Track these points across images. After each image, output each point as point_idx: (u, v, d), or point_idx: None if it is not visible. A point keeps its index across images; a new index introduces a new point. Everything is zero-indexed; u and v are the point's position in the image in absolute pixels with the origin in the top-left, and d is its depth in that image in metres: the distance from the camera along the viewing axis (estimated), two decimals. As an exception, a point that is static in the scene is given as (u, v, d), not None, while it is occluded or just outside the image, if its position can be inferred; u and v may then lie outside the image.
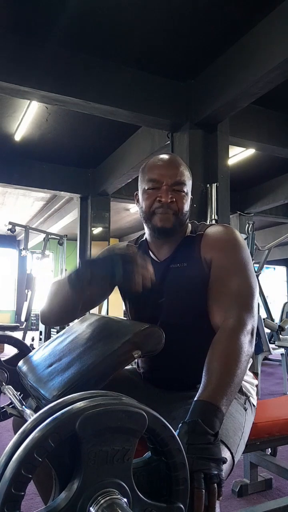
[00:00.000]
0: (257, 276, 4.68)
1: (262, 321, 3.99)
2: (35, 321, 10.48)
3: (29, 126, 5.34)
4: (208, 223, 1.28)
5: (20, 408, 0.97)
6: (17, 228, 6.70)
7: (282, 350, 4.23)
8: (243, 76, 3.61)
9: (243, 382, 1.09)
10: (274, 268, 14.65)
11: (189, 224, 1.19)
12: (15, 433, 0.63)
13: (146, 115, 4.25)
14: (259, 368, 3.79)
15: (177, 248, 1.14)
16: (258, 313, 1.05)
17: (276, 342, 4.24)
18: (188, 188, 1.14)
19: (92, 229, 7.08)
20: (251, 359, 0.93)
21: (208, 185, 4.28)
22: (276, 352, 4.39)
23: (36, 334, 7.00)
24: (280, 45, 3.23)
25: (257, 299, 1.04)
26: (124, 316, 1.46)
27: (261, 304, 5.56)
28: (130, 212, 9.60)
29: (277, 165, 6.70)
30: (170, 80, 4.29)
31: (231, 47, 3.76)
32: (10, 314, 13.46)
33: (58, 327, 4.07)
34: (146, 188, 1.12)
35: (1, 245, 13.51)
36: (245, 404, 1.08)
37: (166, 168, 1.12)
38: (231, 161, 5.08)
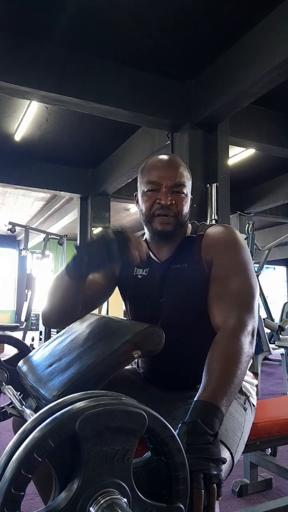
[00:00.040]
0: (257, 276, 4.69)
1: (262, 321, 3.99)
2: (35, 321, 10.48)
3: (29, 126, 5.34)
4: (208, 223, 1.27)
5: (20, 408, 0.97)
6: (17, 228, 6.70)
7: (282, 350, 4.23)
8: (243, 76, 3.61)
9: (243, 382, 1.09)
10: (274, 268, 14.65)
11: (189, 224, 1.19)
12: (15, 433, 0.63)
13: (146, 115, 4.25)
14: (259, 368, 3.79)
15: (178, 248, 1.14)
16: (258, 313, 1.05)
17: (276, 342, 4.24)
18: (188, 189, 1.13)
19: (92, 229, 7.07)
20: (251, 359, 0.93)
21: (208, 185, 4.28)
22: (276, 352, 4.39)
23: (36, 334, 7.00)
24: (280, 45, 3.23)
25: (258, 300, 1.04)
26: (124, 316, 1.46)
27: (261, 304, 5.57)
28: (130, 212, 9.60)
29: (277, 165, 6.70)
30: (170, 80, 4.29)
31: (231, 47, 3.76)
32: (10, 314, 13.46)
33: (58, 327, 4.06)
34: (145, 190, 1.11)
35: (1, 245, 13.51)
36: (244, 404, 1.08)
37: (166, 169, 1.11)
38: (231, 161, 5.08)
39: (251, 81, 3.53)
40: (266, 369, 5.66)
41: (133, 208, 8.86)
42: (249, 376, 1.17)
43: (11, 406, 1.18)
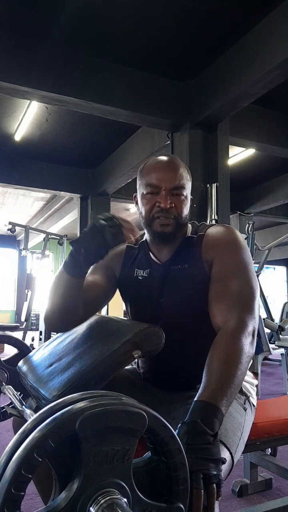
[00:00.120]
0: (257, 276, 4.69)
1: (262, 321, 3.99)
2: (35, 321, 10.48)
3: (29, 126, 5.34)
4: (208, 223, 1.27)
5: (20, 408, 0.97)
6: (17, 228, 6.69)
7: (282, 350, 4.23)
8: (243, 76, 3.61)
9: (243, 382, 1.09)
10: (274, 268, 14.65)
11: (189, 225, 1.18)
12: (15, 433, 0.63)
13: (146, 115, 4.24)
14: (259, 368, 3.79)
15: (178, 249, 1.14)
16: (258, 313, 1.05)
17: (276, 342, 4.24)
18: (187, 190, 1.12)
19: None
20: (251, 359, 0.93)
21: (208, 185, 4.28)
22: (276, 352, 4.38)
23: (36, 334, 7.00)
24: (280, 45, 3.23)
25: (258, 300, 1.04)
26: (124, 316, 1.46)
27: (261, 304, 5.57)
28: (130, 212, 9.60)
29: (277, 165, 6.70)
30: (170, 80, 4.28)
31: (231, 47, 3.76)
32: (10, 314, 13.46)
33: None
34: (144, 192, 1.10)
35: (1, 245, 13.51)
36: (244, 404, 1.08)
37: (165, 171, 1.09)
38: (231, 161, 5.08)
39: (251, 81, 3.53)
40: (266, 369, 5.66)
41: (133, 208, 8.87)
42: (249, 376, 1.17)
43: (11, 406, 1.18)
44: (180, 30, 3.58)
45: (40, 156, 6.35)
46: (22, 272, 12.34)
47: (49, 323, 1.12)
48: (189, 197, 1.14)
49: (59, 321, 1.10)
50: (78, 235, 0.98)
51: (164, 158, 1.14)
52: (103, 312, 6.82)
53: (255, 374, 1.43)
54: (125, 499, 0.54)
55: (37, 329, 8.19)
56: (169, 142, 4.63)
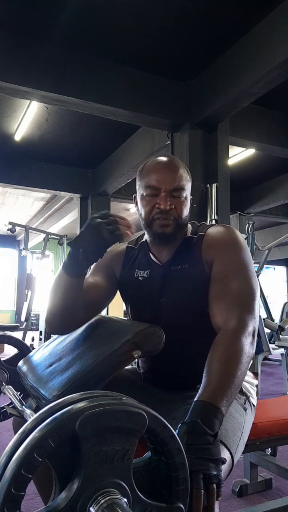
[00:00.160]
0: (257, 276, 4.70)
1: (262, 321, 3.99)
2: (35, 321, 10.48)
3: (29, 126, 5.34)
4: (208, 223, 1.27)
5: (20, 408, 0.97)
6: (17, 228, 6.69)
7: (282, 350, 4.23)
8: (243, 76, 3.61)
9: (243, 382, 1.09)
10: (274, 268, 14.65)
11: (189, 225, 1.18)
12: (15, 433, 0.63)
13: (146, 115, 4.24)
14: (259, 368, 3.79)
15: (178, 250, 1.14)
16: (258, 313, 1.05)
17: (276, 342, 4.24)
18: (187, 191, 1.11)
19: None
20: (251, 360, 0.93)
21: (208, 185, 4.28)
22: (276, 352, 4.38)
23: (36, 334, 7.00)
24: (280, 45, 3.23)
25: (258, 300, 1.04)
26: (124, 316, 1.46)
27: (261, 304, 5.57)
28: (130, 212, 9.60)
29: (277, 165, 6.70)
30: (170, 80, 4.29)
31: (231, 47, 3.76)
32: (10, 314, 13.46)
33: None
34: (144, 194, 1.10)
35: (1, 245, 13.51)
36: (244, 404, 1.08)
37: (164, 173, 1.09)
38: (231, 161, 5.08)
39: (251, 81, 3.53)
40: (266, 369, 5.66)
41: (133, 208, 8.82)
42: (249, 376, 1.17)
43: (11, 406, 1.18)
44: (180, 30, 3.58)
45: (40, 156, 6.35)
46: (22, 272, 12.34)
47: (50, 326, 1.11)
48: (189, 197, 1.13)
49: (60, 323, 1.10)
50: (77, 235, 0.98)
51: (163, 158, 1.13)
52: (103, 312, 6.81)
53: (255, 374, 1.43)
54: (125, 499, 0.54)
55: (37, 329, 8.20)
56: (169, 142, 4.63)
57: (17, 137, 5.64)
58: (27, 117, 5.04)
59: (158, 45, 3.79)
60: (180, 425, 0.77)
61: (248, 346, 0.91)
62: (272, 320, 5.34)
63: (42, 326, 6.36)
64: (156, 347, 0.97)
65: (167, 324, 1.04)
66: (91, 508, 0.53)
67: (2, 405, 1.30)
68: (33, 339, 6.76)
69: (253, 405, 1.13)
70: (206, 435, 0.74)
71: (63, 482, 0.55)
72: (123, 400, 0.57)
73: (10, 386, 1.17)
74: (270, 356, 5.15)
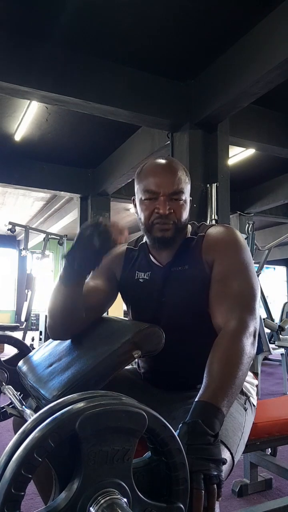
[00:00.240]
0: (257, 276, 4.70)
1: (262, 321, 3.99)
2: (35, 321, 10.48)
3: (29, 126, 5.34)
4: (208, 223, 1.27)
5: (20, 408, 0.97)
6: (17, 228, 6.70)
7: (282, 350, 4.23)
8: (243, 76, 3.61)
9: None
10: (274, 268, 14.65)
11: (189, 225, 1.18)
12: (15, 433, 0.63)
13: (146, 115, 4.24)
14: (259, 368, 3.79)
15: (178, 251, 1.13)
16: (259, 313, 1.05)
17: (276, 342, 4.24)
18: (186, 194, 1.11)
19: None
20: (252, 360, 0.93)
21: (208, 185, 4.28)
22: (276, 352, 4.39)
23: (36, 334, 7.00)
24: (280, 45, 3.23)
25: (259, 300, 1.04)
26: (124, 316, 1.46)
27: (261, 304, 5.57)
28: (130, 212, 9.60)
29: (277, 165, 6.70)
30: (170, 80, 4.28)
31: (231, 47, 3.76)
32: (10, 314, 13.46)
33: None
34: (143, 198, 1.09)
35: (1, 245, 13.51)
36: (245, 404, 1.08)
37: (163, 176, 1.07)
38: (231, 161, 5.08)
39: (251, 81, 3.53)
40: (266, 369, 5.66)
41: (133, 208, 8.82)
42: (249, 376, 1.17)
43: (11, 406, 1.18)
44: (180, 30, 3.58)
45: (40, 156, 6.35)
46: (22, 272, 12.34)
47: (53, 333, 1.12)
48: (188, 199, 1.13)
49: (61, 330, 1.10)
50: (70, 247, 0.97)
51: (161, 161, 1.12)
52: (103, 312, 6.81)
53: (255, 374, 1.43)
54: (125, 499, 0.54)
55: (37, 329, 8.19)
56: (169, 142, 4.62)
57: (17, 137, 5.64)
58: (27, 117, 5.04)
59: (158, 45, 3.79)
60: (180, 425, 0.77)
61: (249, 346, 0.91)
62: (272, 320, 5.34)
63: (42, 326, 6.36)
64: (156, 347, 0.97)
65: (167, 324, 1.04)
66: (91, 508, 0.53)
67: (2, 405, 1.30)
68: (33, 339, 6.76)
69: (253, 405, 1.13)
70: (206, 435, 0.74)
71: (63, 482, 0.55)
72: (123, 400, 0.57)
73: (10, 386, 1.17)
74: (270, 356, 5.16)
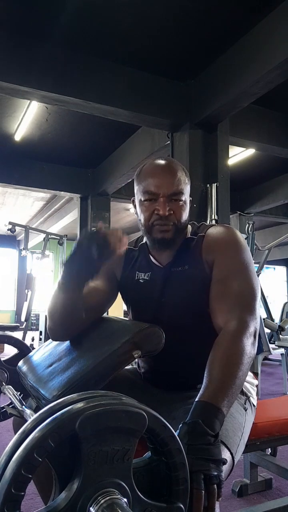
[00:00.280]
0: (257, 276, 4.70)
1: (262, 321, 3.99)
2: (35, 321, 10.48)
3: (29, 126, 5.34)
4: (208, 223, 1.27)
5: (20, 408, 0.97)
6: (17, 228, 6.70)
7: (282, 350, 4.23)
8: (243, 76, 3.61)
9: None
10: (274, 268, 14.65)
11: (189, 225, 1.18)
12: (15, 433, 0.63)
13: (146, 115, 4.24)
14: (259, 368, 3.79)
15: (178, 251, 1.13)
16: (259, 313, 1.05)
17: (276, 342, 4.24)
18: (186, 195, 1.10)
19: (92, 229, 7.06)
20: (253, 360, 0.93)
21: (208, 185, 4.28)
22: (276, 352, 4.39)
23: (36, 334, 7.00)
24: (280, 45, 3.23)
25: (259, 301, 1.04)
26: (124, 316, 1.46)
27: (261, 304, 5.57)
28: (130, 212, 9.60)
29: (277, 165, 6.70)
30: (170, 80, 4.28)
31: (231, 47, 3.76)
32: (10, 314, 13.46)
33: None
34: (142, 199, 1.09)
35: (1, 245, 13.51)
36: (245, 404, 1.08)
37: (162, 177, 1.07)
38: (231, 161, 5.08)
39: (251, 81, 3.53)
40: (266, 369, 5.66)
41: (133, 209, 8.81)
42: (249, 376, 1.17)
43: (11, 406, 1.18)
44: (180, 30, 3.58)
45: (40, 156, 6.35)
46: (22, 272, 12.34)
47: (53, 334, 1.12)
48: (188, 200, 1.12)
49: (61, 331, 1.10)
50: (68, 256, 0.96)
51: (161, 162, 1.11)
52: (103, 312, 6.81)
53: (255, 374, 1.43)
54: (125, 499, 0.54)
55: (37, 329, 8.19)
56: (169, 142, 4.62)
57: (17, 137, 5.64)
58: (27, 117, 5.04)
59: (158, 45, 3.79)
60: (181, 425, 0.77)
61: (249, 346, 0.91)
62: (272, 320, 5.34)
63: (42, 326, 6.36)
64: (156, 347, 0.97)
65: (167, 324, 1.04)
66: (91, 508, 0.53)
67: (2, 405, 1.30)
68: (33, 339, 6.76)
69: (253, 405, 1.13)
70: (207, 435, 0.74)
71: (63, 482, 0.55)
72: (123, 400, 0.57)
73: (10, 386, 1.17)
74: (270, 356, 5.16)
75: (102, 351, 0.95)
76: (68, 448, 0.54)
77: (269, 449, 2.05)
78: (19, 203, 9.50)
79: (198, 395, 0.82)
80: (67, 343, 1.12)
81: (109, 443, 0.54)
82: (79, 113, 4.52)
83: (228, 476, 0.88)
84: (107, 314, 1.24)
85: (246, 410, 1.06)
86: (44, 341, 4.25)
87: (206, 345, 0.93)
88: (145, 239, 1.22)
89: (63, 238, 7.06)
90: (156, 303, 1.12)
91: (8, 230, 6.51)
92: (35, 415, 0.56)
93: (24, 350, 1.43)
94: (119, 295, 1.24)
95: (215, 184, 4.26)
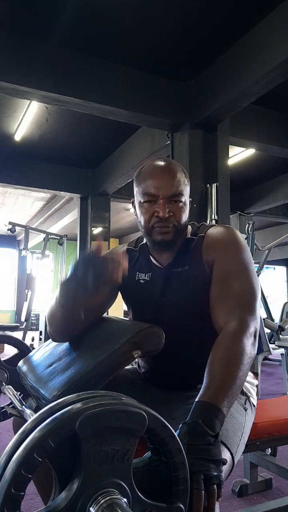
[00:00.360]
0: (257, 276, 4.70)
1: (262, 321, 3.99)
2: (35, 321, 10.48)
3: (29, 126, 5.34)
4: (208, 223, 1.27)
5: (20, 408, 0.97)
6: (17, 228, 6.70)
7: (282, 350, 4.23)
8: (243, 76, 3.61)
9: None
10: (274, 268, 14.65)
11: (189, 226, 1.18)
12: (15, 433, 0.63)
13: (146, 115, 4.24)
14: (259, 368, 3.79)
15: (178, 252, 1.13)
16: (259, 313, 1.05)
17: (276, 342, 4.24)
18: (186, 196, 1.10)
19: (92, 229, 7.08)
20: (253, 360, 0.93)
21: (208, 185, 4.28)
22: (276, 352, 4.38)
23: (36, 334, 7.00)
24: (280, 45, 3.23)
25: (260, 301, 1.04)
26: (124, 316, 1.46)
27: (261, 304, 5.56)
28: (130, 212, 9.60)
29: (277, 165, 6.70)
30: (170, 80, 4.29)
31: (231, 47, 3.76)
32: (10, 314, 13.46)
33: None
34: (142, 201, 1.09)
35: (1, 245, 13.51)
36: (245, 404, 1.08)
37: (162, 179, 1.06)
38: (231, 161, 5.08)
39: (251, 81, 3.53)
40: (266, 369, 5.66)
41: (132, 210, 8.81)
42: (249, 376, 1.17)
43: (11, 406, 1.18)
44: (180, 30, 3.58)
45: (40, 156, 6.35)
46: (22, 272, 12.34)
47: (53, 337, 1.13)
48: (188, 201, 1.12)
49: (61, 333, 1.11)
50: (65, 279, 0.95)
51: (160, 163, 1.11)
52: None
53: (255, 374, 1.43)
54: (125, 499, 0.54)
55: (37, 329, 8.20)
56: (169, 142, 4.62)
57: (17, 137, 5.64)
58: (27, 117, 5.04)
59: (158, 45, 3.79)
60: (181, 425, 0.77)
61: (250, 347, 0.91)
62: (272, 320, 5.33)
63: (42, 326, 6.37)
64: (156, 347, 0.97)
65: (167, 324, 1.04)
66: (91, 508, 0.53)
67: (2, 405, 1.30)
68: (33, 339, 6.76)
69: (253, 405, 1.13)
70: (207, 435, 0.74)
71: (63, 482, 0.55)
72: (123, 400, 0.57)
73: (10, 386, 1.17)
74: (270, 356, 5.16)
75: (102, 351, 0.95)
76: (68, 448, 0.54)
77: (269, 449, 2.05)
78: (19, 203, 9.50)
79: (198, 395, 0.82)
80: (67, 343, 1.12)
81: (109, 443, 0.54)
82: (79, 113, 4.52)
83: (228, 476, 0.87)
84: (107, 314, 1.24)
85: (246, 410, 1.06)
86: (44, 341, 4.25)
87: (206, 345, 0.93)
88: (145, 240, 1.21)
89: (63, 238, 7.06)
90: (157, 303, 1.12)
91: (8, 230, 6.51)
92: (35, 415, 0.56)
93: (24, 350, 1.43)
94: (119, 295, 1.24)
95: (215, 184, 4.26)
